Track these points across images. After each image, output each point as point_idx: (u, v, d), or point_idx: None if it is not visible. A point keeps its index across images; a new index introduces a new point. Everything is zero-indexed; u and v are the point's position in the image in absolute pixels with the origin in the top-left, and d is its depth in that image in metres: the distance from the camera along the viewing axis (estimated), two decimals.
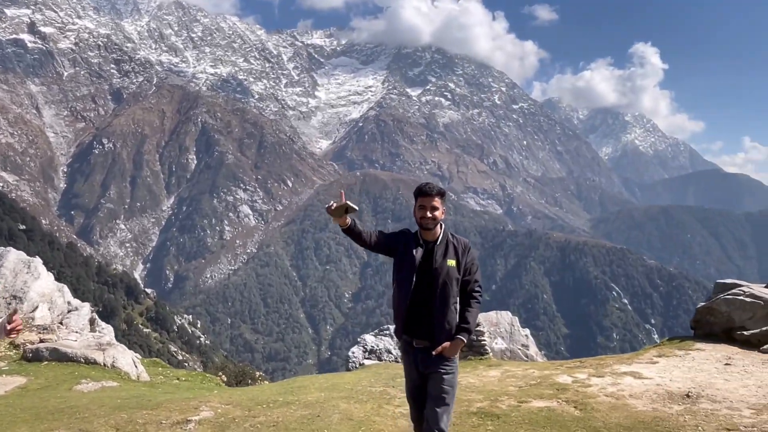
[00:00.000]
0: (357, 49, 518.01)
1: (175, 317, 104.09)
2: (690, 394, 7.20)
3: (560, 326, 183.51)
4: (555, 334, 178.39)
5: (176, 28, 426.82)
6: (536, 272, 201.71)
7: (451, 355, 4.80)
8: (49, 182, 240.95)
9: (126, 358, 11.48)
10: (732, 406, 6.74)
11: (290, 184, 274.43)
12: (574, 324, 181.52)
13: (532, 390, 7.98)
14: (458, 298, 4.88)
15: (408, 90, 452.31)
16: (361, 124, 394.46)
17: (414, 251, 4.84)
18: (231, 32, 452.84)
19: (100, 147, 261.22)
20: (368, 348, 13.12)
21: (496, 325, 13.63)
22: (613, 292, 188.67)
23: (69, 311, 14.90)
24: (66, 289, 15.70)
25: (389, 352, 12.99)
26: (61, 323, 13.93)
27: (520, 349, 13.39)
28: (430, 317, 4.81)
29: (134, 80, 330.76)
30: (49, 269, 15.48)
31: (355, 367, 12.26)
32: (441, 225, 4.93)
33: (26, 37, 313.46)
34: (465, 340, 4.83)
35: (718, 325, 10.26)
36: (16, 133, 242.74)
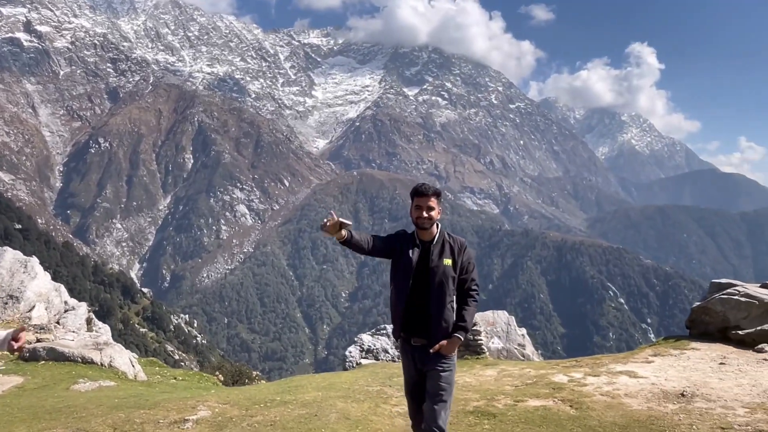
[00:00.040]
0: (354, 49, 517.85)
1: (172, 317, 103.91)
2: (685, 393, 7.24)
3: (557, 325, 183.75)
4: (551, 334, 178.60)
5: (173, 27, 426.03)
6: (533, 272, 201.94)
7: (449, 353, 4.86)
8: (45, 181, 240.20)
9: (123, 358, 11.49)
10: (726, 405, 6.79)
11: (287, 184, 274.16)
12: (571, 323, 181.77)
13: (528, 389, 8.01)
14: (455, 297, 4.93)
15: (405, 89, 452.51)
16: (358, 124, 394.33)
17: (410, 252, 4.90)
18: (228, 31, 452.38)
19: (97, 146, 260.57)
20: (365, 347, 13.14)
21: (493, 325, 13.66)
22: (610, 292, 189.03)
23: (66, 311, 14.90)
24: (63, 288, 15.69)
25: (386, 351, 13.02)
26: (58, 323, 13.93)
27: (516, 348, 13.43)
28: (427, 315, 4.86)
29: (131, 79, 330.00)
30: (45, 269, 15.47)
31: (352, 367, 12.27)
32: (437, 225, 4.97)
33: (22, 36, 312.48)
34: (462, 338, 4.89)
35: (714, 324, 10.31)
36: (12, 132, 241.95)
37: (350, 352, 13.05)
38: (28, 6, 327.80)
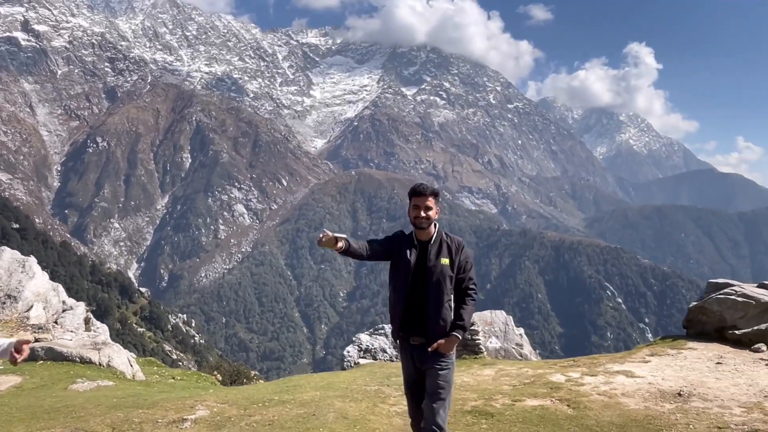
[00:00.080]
0: (352, 48, 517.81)
1: (170, 316, 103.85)
2: (682, 392, 7.26)
3: (554, 325, 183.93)
4: (549, 333, 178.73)
5: (171, 27, 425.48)
6: (531, 271, 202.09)
7: (447, 352, 4.90)
8: (42, 181, 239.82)
9: (121, 358, 11.50)
10: (723, 404, 6.81)
11: (285, 183, 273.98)
12: (569, 323, 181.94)
13: (525, 389, 8.03)
14: (452, 296, 4.97)
15: (403, 89, 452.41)
16: (356, 123, 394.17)
17: (408, 253, 4.95)
18: (226, 31, 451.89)
19: (94, 146, 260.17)
20: (363, 347, 13.15)
21: (491, 324, 13.69)
22: (607, 291, 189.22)
23: (64, 310, 14.90)
24: (61, 288, 15.69)
25: (384, 351, 13.03)
26: (56, 322, 13.92)
27: (514, 348, 13.45)
28: (425, 314, 4.91)
29: (128, 79, 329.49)
30: (42, 268, 15.47)
31: (350, 366, 12.29)
32: (435, 224, 5.02)
33: (20, 35, 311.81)
34: (460, 337, 4.92)
35: (710, 324, 10.34)
36: (9, 131, 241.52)
37: (348, 352, 13.06)
38: (26, 5, 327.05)
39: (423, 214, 4.90)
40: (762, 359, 8.69)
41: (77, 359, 10.99)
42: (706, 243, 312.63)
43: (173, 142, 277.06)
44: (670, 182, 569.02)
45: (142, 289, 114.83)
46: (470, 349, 11.71)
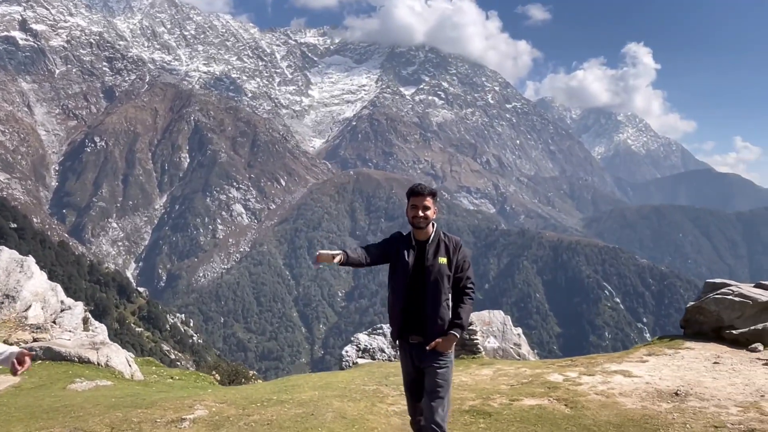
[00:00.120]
0: (350, 48, 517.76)
1: (168, 316, 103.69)
2: (679, 392, 7.29)
3: (553, 325, 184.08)
4: (547, 333, 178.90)
5: (169, 26, 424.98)
6: (529, 271, 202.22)
7: (445, 350, 4.93)
8: (40, 180, 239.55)
9: (120, 357, 11.50)
10: (720, 404, 6.84)
11: (283, 183, 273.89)
12: (567, 323, 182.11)
13: (523, 388, 8.06)
14: (450, 295, 5.00)
15: (401, 89, 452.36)
16: (354, 123, 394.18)
17: (406, 254, 4.98)
18: (224, 30, 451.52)
19: (92, 145, 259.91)
20: (361, 347, 13.17)
21: (489, 324, 13.71)
22: (606, 291, 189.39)
23: (62, 310, 14.89)
24: (59, 288, 15.69)
25: (382, 350, 13.05)
26: (54, 322, 13.92)
27: (512, 347, 13.48)
28: (423, 313, 4.94)
29: (126, 78, 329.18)
30: (40, 268, 15.46)
31: (349, 366, 12.30)
32: (433, 224, 5.05)
33: (18, 35, 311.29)
34: (458, 336, 4.95)
35: (708, 324, 10.37)
36: (7, 131, 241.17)
37: (347, 352, 13.08)
38: (24, 4, 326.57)
39: (421, 213, 4.92)
40: (759, 359, 8.72)
41: (76, 359, 11.00)
42: (704, 243, 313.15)
43: (171, 142, 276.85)
44: (668, 182, 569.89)
45: (141, 289, 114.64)
46: (468, 349, 11.73)
